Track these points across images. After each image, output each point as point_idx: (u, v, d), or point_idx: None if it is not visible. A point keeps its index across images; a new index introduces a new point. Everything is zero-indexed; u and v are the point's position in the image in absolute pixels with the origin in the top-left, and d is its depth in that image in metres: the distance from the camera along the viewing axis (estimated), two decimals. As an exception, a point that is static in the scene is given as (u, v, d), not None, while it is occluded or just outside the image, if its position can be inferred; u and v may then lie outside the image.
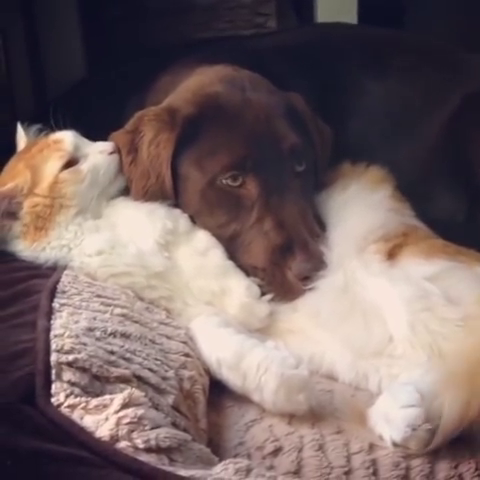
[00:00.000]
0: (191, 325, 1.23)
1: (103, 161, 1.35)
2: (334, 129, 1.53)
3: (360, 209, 1.36)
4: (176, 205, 1.36)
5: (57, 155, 1.32)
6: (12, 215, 1.30)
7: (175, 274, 1.28)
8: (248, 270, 1.31)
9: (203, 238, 1.31)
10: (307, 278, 1.27)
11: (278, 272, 1.29)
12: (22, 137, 1.42)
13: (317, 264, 1.27)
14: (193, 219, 1.35)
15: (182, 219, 1.33)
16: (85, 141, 1.37)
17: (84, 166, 1.33)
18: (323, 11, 2.17)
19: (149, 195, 1.36)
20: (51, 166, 1.31)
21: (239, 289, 1.27)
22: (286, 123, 1.37)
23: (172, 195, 1.36)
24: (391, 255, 1.27)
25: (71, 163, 1.33)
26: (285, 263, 1.29)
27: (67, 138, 1.35)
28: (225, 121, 1.35)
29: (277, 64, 1.62)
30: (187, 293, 1.28)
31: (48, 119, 1.38)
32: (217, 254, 1.30)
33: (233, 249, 1.33)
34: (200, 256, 1.29)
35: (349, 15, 2.15)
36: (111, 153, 1.37)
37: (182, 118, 1.35)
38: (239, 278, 1.29)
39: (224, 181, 1.34)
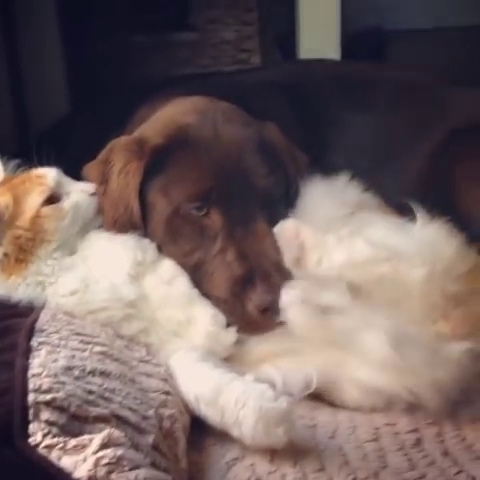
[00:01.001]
0: (170, 361, 1.23)
1: (84, 200, 1.37)
2: (317, 163, 1.54)
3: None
4: (145, 234, 1.37)
5: (39, 189, 1.33)
6: None
7: (146, 305, 1.28)
8: (212, 299, 1.31)
9: (169, 267, 1.32)
10: (267, 310, 1.26)
11: (238, 304, 1.29)
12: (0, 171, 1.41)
13: (278, 296, 1.26)
14: (160, 248, 1.35)
15: (150, 249, 1.33)
16: (67, 179, 1.38)
17: (66, 203, 1.34)
18: (305, 47, 2.18)
19: (118, 225, 1.37)
20: (33, 199, 1.31)
21: (204, 318, 1.27)
22: (258, 158, 1.38)
23: (141, 224, 1.37)
24: None
25: (52, 199, 1.33)
26: (246, 295, 1.29)
27: (49, 174, 1.36)
28: (193, 152, 1.36)
29: (260, 100, 1.63)
30: (160, 326, 1.27)
31: (30, 155, 1.38)
32: (183, 283, 1.30)
33: (198, 278, 1.33)
34: (166, 285, 1.29)
35: (331, 51, 2.16)
36: (92, 194, 1.38)
37: (150, 148, 1.37)
38: (204, 307, 1.29)
39: (189, 210, 1.35)
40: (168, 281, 1.30)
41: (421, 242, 1.30)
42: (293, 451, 1.12)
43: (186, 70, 2.36)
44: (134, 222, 1.37)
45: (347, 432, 1.17)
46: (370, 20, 3.12)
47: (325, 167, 1.56)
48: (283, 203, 1.42)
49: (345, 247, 1.31)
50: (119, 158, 1.39)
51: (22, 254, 1.29)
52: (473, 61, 2.85)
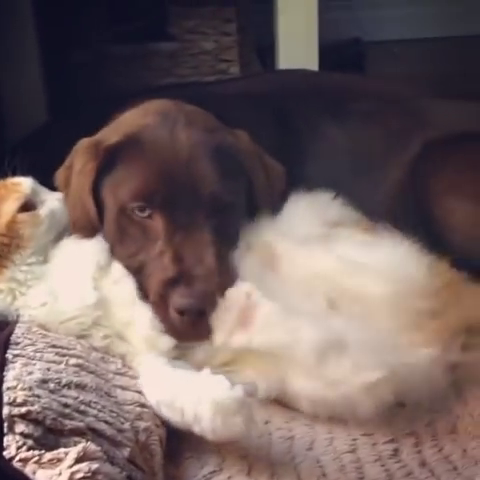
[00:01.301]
0: (139, 370, 1.22)
1: (59, 208, 1.37)
2: (294, 174, 1.54)
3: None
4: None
5: (14, 196, 1.32)
6: None
7: (111, 309, 1.28)
8: (148, 302, 1.31)
9: (118, 267, 1.32)
10: (184, 312, 1.26)
11: (163, 305, 1.28)
12: None
13: (199, 301, 1.25)
14: (111, 249, 1.36)
15: (105, 251, 1.34)
16: (43, 189, 1.38)
17: (42, 211, 1.34)
18: (284, 58, 2.18)
19: (79, 227, 1.37)
20: (8, 205, 1.31)
21: (143, 320, 1.26)
22: (210, 164, 1.36)
23: (98, 226, 1.38)
24: None
25: (28, 207, 1.33)
26: (169, 297, 1.28)
27: (25, 182, 1.36)
28: (145, 153, 1.36)
29: (238, 109, 1.63)
30: (129, 330, 1.27)
31: (4, 164, 1.37)
32: (128, 283, 1.30)
33: (140, 281, 1.32)
34: (115, 285, 1.29)
35: (310, 62, 2.16)
36: None
37: (104, 148, 1.38)
38: (144, 310, 1.28)
39: (133, 210, 1.34)
40: (116, 281, 1.30)
41: (389, 261, 1.31)
42: (271, 464, 1.12)
43: (165, 80, 2.35)
44: (93, 223, 1.38)
45: (325, 443, 1.17)
46: (349, 31, 3.14)
47: (302, 179, 1.56)
48: (242, 212, 1.41)
49: (315, 259, 1.32)
50: (78, 160, 1.40)
51: None
52: (451, 72, 2.87)
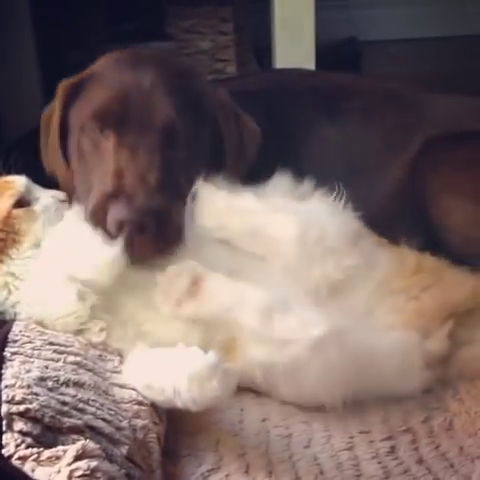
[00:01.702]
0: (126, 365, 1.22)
1: (54, 203, 1.37)
2: (290, 172, 1.54)
3: None
4: None
5: (9, 193, 1.33)
6: None
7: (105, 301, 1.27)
8: None
9: None
10: (123, 226, 1.28)
11: (101, 219, 1.30)
12: None
13: (137, 216, 1.28)
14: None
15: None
16: (37, 187, 1.39)
17: (37, 207, 1.35)
18: (281, 57, 2.18)
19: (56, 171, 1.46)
20: (3, 202, 1.32)
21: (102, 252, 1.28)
22: (171, 101, 1.41)
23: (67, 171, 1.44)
24: None
25: (22, 203, 1.33)
26: (108, 208, 1.30)
27: (19, 180, 1.36)
28: (107, 82, 1.43)
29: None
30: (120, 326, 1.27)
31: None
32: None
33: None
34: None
35: (307, 61, 2.17)
36: (62, 201, 1.39)
37: (70, 84, 1.46)
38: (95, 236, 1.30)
39: (91, 129, 1.39)
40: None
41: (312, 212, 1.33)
42: (268, 462, 1.12)
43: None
44: (64, 167, 1.45)
45: (322, 441, 1.18)
46: (345, 30, 3.14)
47: (297, 177, 1.56)
48: (201, 160, 1.44)
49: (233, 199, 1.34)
50: (52, 108, 1.49)
51: None
52: (446, 70, 2.88)
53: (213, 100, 1.48)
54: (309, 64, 2.18)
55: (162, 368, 1.13)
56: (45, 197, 1.37)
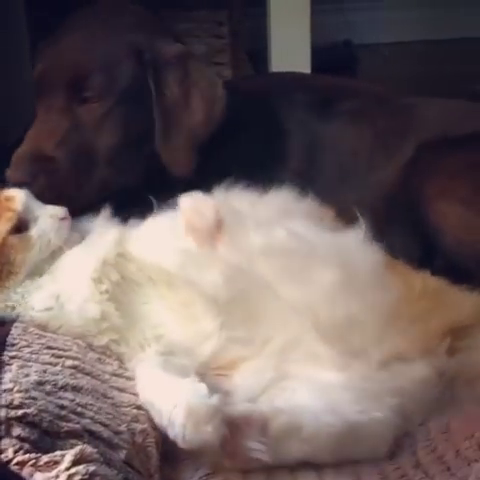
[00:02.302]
0: (136, 371, 1.22)
1: (53, 226, 1.31)
2: (280, 174, 1.55)
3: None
4: None
5: (7, 216, 1.28)
6: None
7: (117, 312, 1.26)
8: None
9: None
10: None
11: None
12: None
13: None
14: None
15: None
16: (36, 203, 1.34)
17: (33, 232, 1.29)
18: (277, 61, 2.20)
19: None
20: (0, 227, 1.28)
21: None
22: (86, 59, 1.45)
23: None
24: None
25: (20, 225, 1.29)
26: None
27: (18, 197, 1.32)
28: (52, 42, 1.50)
29: (228, 109, 1.63)
30: (132, 331, 1.26)
31: None
32: None
33: None
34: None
35: (302, 65, 2.18)
36: (62, 218, 1.33)
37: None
38: None
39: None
40: None
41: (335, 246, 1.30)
42: (266, 467, 1.11)
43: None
44: None
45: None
46: (339, 34, 3.15)
47: (288, 178, 1.56)
48: (134, 119, 1.47)
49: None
50: None
51: None
52: (441, 73, 2.89)
53: (144, 58, 1.48)
54: (305, 68, 2.19)
55: (165, 393, 1.12)
56: (44, 218, 1.31)
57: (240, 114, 1.63)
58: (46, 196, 1.36)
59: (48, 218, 1.32)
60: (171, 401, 1.09)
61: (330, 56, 2.84)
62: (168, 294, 1.27)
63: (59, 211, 1.34)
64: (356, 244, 1.31)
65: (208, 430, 1.05)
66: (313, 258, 1.27)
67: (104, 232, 1.34)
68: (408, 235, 1.56)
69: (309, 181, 1.57)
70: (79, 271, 1.28)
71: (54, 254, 1.31)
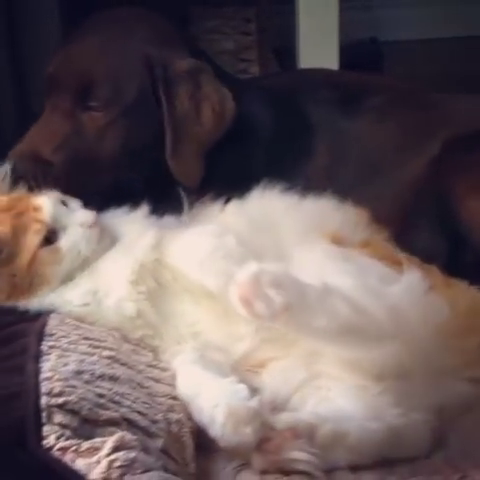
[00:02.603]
0: (173, 363, 1.23)
1: (82, 236, 1.28)
2: (306, 170, 1.55)
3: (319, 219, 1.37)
4: None
5: (35, 228, 1.26)
6: None
7: (154, 310, 1.27)
8: None
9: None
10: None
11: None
12: None
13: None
14: None
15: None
16: (65, 210, 1.31)
17: (63, 243, 1.27)
18: (304, 58, 2.20)
19: None
20: (30, 239, 1.25)
21: None
22: (95, 65, 1.45)
23: None
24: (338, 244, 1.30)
25: (49, 236, 1.27)
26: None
27: (46, 208, 1.28)
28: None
29: (256, 104, 1.63)
30: (167, 328, 1.27)
31: None
32: None
33: None
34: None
35: (330, 62, 2.18)
36: (91, 226, 1.30)
37: None
38: None
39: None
40: None
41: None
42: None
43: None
44: None
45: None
46: (365, 31, 3.15)
47: (314, 175, 1.57)
48: (139, 128, 1.46)
49: None
50: None
51: (17, 292, 1.26)
52: (468, 70, 2.88)
53: (156, 72, 1.47)
54: (332, 64, 2.19)
55: (207, 391, 1.13)
56: (73, 227, 1.29)
57: (267, 111, 1.64)
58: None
59: (77, 227, 1.29)
60: (212, 400, 1.10)
61: (356, 53, 2.83)
62: (204, 301, 1.27)
63: (88, 217, 1.30)
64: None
65: (247, 432, 1.07)
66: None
67: (142, 233, 1.32)
68: (436, 231, 1.55)
69: (336, 178, 1.58)
70: (117, 271, 1.28)
71: (87, 263, 1.29)
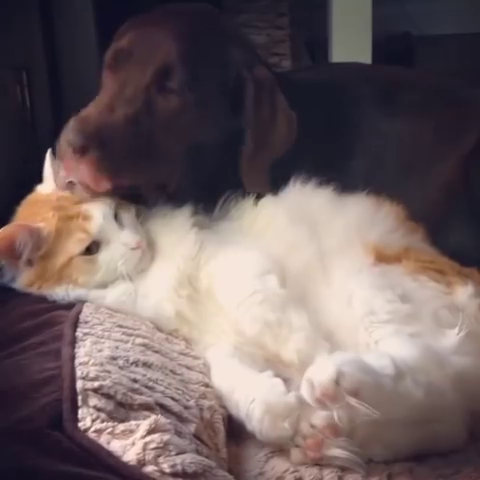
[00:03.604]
0: (206, 354, 1.25)
1: (122, 255, 1.29)
2: (340, 164, 1.55)
3: (359, 218, 1.38)
4: None
5: (79, 237, 1.27)
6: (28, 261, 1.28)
7: (196, 305, 1.29)
8: None
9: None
10: (75, 149, 1.30)
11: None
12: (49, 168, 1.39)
13: (80, 137, 1.29)
14: None
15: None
16: (113, 225, 1.30)
17: (101, 257, 1.28)
18: (338, 51, 2.20)
19: None
20: (71, 245, 1.27)
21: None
22: (176, 47, 1.41)
23: None
24: (380, 260, 1.29)
25: (91, 245, 1.28)
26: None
27: (96, 218, 1.28)
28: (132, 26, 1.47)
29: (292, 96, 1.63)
30: (206, 325, 1.29)
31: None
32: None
33: None
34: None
35: (363, 56, 2.18)
36: (134, 248, 1.30)
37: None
38: None
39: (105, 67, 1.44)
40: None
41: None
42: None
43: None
44: None
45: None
46: (398, 25, 3.14)
47: (349, 170, 1.57)
48: (203, 124, 1.43)
49: None
50: None
51: (47, 285, 1.29)
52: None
53: (242, 73, 1.44)
54: (365, 58, 2.19)
55: (243, 386, 1.14)
56: (116, 245, 1.29)
57: (299, 105, 1.64)
58: (94, 168, 1.31)
59: (120, 246, 1.29)
60: (248, 396, 1.12)
61: (389, 48, 2.82)
62: None
63: (133, 240, 1.30)
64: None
65: (285, 426, 1.08)
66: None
67: (183, 237, 1.33)
68: (470, 229, 1.55)
69: (371, 174, 1.58)
70: (158, 277, 1.30)
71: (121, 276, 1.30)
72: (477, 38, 3.23)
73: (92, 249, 1.28)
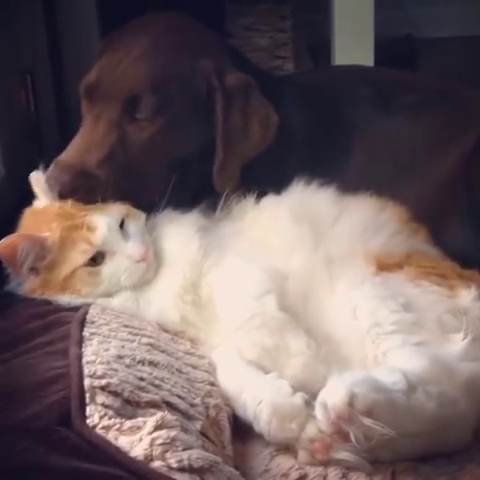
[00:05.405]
0: (212, 355, 1.26)
1: (126, 268, 1.29)
2: (339, 165, 1.56)
3: (363, 222, 1.38)
4: None
5: (83, 248, 1.27)
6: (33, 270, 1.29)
7: (201, 310, 1.30)
8: None
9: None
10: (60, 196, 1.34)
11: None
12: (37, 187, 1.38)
13: (69, 176, 1.35)
14: None
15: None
16: (118, 237, 1.30)
17: (105, 269, 1.28)
18: (340, 54, 2.21)
19: None
20: (75, 256, 1.27)
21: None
22: (145, 74, 1.41)
23: None
24: (382, 269, 1.29)
25: (95, 256, 1.28)
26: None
27: (100, 230, 1.28)
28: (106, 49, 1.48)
29: (289, 101, 1.65)
30: (210, 325, 1.30)
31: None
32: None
33: None
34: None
35: (365, 59, 2.19)
36: (139, 261, 1.29)
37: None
38: None
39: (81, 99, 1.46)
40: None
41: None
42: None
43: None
44: None
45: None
46: (401, 28, 3.15)
47: (347, 170, 1.58)
48: (181, 141, 1.45)
49: None
50: None
51: (50, 292, 1.29)
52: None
53: (212, 82, 1.44)
54: (367, 61, 2.20)
55: (250, 388, 1.15)
56: (120, 257, 1.29)
57: (301, 108, 1.64)
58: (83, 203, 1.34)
59: (124, 258, 1.28)
60: (256, 397, 1.13)
61: (391, 50, 2.83)
62: None
63: (138, 252, 1.29)
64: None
65: (292, 427, 1.09)
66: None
67: (186, 244, 1.34)
68: (469, 228, 1.56)
69: (372, 175, 1.58)
70: (162, 284, 1.32)
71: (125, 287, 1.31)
72: (478, 40, 3.24)
73: (97, 259, 1.28)
